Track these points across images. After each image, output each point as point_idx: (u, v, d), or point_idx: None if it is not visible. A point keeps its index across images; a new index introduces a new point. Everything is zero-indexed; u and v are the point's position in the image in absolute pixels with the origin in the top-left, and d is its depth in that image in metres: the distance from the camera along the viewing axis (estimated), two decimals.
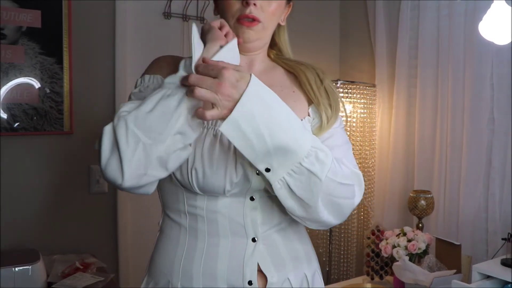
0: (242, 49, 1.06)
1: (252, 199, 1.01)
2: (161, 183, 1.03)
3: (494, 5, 1.82)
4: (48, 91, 2.00)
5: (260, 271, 1.02)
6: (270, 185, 0.93)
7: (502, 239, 1.86)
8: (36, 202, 2.01)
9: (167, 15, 2.30)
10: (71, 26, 2.03)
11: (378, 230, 2.39)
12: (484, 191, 2.10)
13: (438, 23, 2.27)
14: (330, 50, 2.82)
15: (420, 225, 2.24)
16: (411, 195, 2.24)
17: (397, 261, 2.08)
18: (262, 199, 1.02)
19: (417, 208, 2.20)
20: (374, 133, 2.53)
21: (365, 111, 2.47)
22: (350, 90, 2.41)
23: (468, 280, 1.89)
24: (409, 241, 2.09)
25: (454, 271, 1.97)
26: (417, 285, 1.97)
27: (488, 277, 1.73)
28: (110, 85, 2.14)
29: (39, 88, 1.99)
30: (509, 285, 1.66)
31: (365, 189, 2.57)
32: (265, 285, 1.02)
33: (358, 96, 2.45)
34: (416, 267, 2.01)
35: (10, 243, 1.94)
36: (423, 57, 2.33)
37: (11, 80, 1.94)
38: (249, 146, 0.86)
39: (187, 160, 0.96)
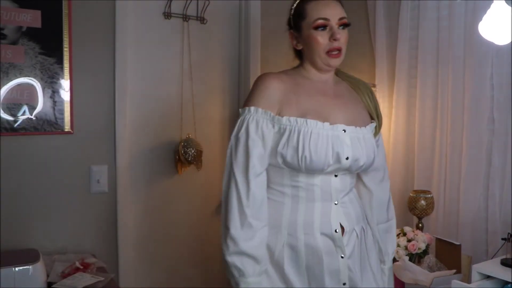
0: (328, 70, 1.47)
1: (336, 175, 1.43)
2: (268, 166, 1.41)
3: (494, 5, 1.82)
4: (48, 91, 2.00)
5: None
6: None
7: (502, 239, 1.87)
8: (36, 202, 2.01)
9: (167, 15, 2.30)
10: (71, 26, 2.02)
11: None
12: (484, 191, 2.10)
13: (438, 23, 2.27)
14: None
15: (420, 225, 2.24)
16: (411, 195, 2.24)
17: (397, 261, 2.08)
18: (342, 175, 1.44)
19: (417, 208, 2.20)
20: None
21: None
22: None
23: (468, 280, 1.89)
24: (409, 241, 2.09)
25: (454, 271, 1.97)
26: (417, 285, 1.97)
27: (488, 277, 1.73)
28: (110, 85, 2.14)
29: (39, 88, 1.99)
30: (509, 285, 1.66)
31: None
32: (343, 233, 1.43)
33: None
34: (416, 267, 2.01)
35: (10, 243, 1.93)
36: (423, 57, 2.33)
37: (11, 80, 1.93)
38: None
39: (297, 150, 1.35)
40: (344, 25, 1.41)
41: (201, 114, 2.42)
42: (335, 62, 1.44)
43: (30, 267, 1.63)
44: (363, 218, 1.54)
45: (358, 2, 2.72)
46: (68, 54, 2.02)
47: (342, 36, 1.41)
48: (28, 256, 1.70)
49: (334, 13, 1.41)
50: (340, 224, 1.43)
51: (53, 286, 1.68)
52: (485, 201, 2.10)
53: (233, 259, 1.35)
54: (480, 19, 1.87)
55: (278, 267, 1.42)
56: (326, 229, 1.41)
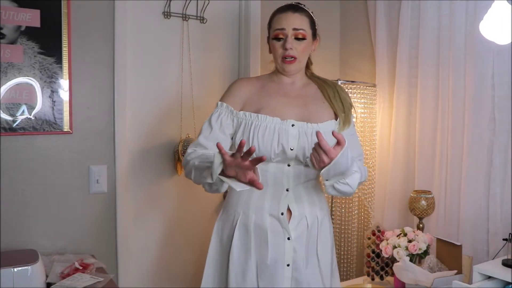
0: (287, 74, 1.69)
1: (288, 165, 1.63)
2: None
3: (495, 5, 1.82)
4: (47, 90, 2.00)
5: (288, 209, 1.63)
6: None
7: (503, 239, 1.86)
8: (36, 202, 2.00)
9: (167, 14, 2.29)
10: (70, 25, 2.02)
11: (379, 231, 2.39)
12: (485, 191, 2.09)
13: (439, 23, 2.26)
14: (330, 50, 2.82)
15: (420, 225, 2.23)
16: (412, 195, 2.23)
17: (398, 261, 2.07)
18: (295, 166, 1.63)
19: (417, 208, 2.20)
20: (374, 133, 2.52)
21: (365, 111, 2.46)
22: (350, 90, 2.40)
23: (469, 280, 1.89)
24: (409, 241, 2.09)
25: (455, 271, 1.97)
26: (418, 286, 1.97)
27: (489, 277, 1.72)
28: (110, 84, 2.13)
29: (38, 87, 1.98)
30: (510, 286, 1.65)
31: (365, 189, 2.57)
32: (290, 217, 1.63)
33: (358, 96, 2.44)
34: (417, 267, 2.00)
35: (9, 244, 1.93)
36: (423, 57, 2.32)
37: (10, 80, 1.93)
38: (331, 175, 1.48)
39: (248, 140, 1.57)
40: (299, 38, 1.61)
41: (200, 114, 2.41)
42: (289, 67, 1.65)
43: (29, 267, 1.62)
44: (320, 208, 1.70)
45: (358, 2, 2.72)
46: (67, 53, 2.02)
47: (295, 46, 1.62)
48: (27, 257, 1.70)
49: (289, 23, 1.61)
50: (289, 209, 1.62)
51: (52, 286, 1.67)
52: (486, 201, 2.09)
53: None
54: (481, 18, 1.87)
55: (224, 241, 1.66)
56: (274, 211, 1.62)
